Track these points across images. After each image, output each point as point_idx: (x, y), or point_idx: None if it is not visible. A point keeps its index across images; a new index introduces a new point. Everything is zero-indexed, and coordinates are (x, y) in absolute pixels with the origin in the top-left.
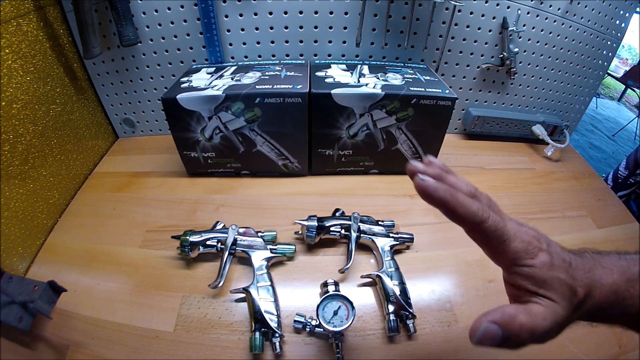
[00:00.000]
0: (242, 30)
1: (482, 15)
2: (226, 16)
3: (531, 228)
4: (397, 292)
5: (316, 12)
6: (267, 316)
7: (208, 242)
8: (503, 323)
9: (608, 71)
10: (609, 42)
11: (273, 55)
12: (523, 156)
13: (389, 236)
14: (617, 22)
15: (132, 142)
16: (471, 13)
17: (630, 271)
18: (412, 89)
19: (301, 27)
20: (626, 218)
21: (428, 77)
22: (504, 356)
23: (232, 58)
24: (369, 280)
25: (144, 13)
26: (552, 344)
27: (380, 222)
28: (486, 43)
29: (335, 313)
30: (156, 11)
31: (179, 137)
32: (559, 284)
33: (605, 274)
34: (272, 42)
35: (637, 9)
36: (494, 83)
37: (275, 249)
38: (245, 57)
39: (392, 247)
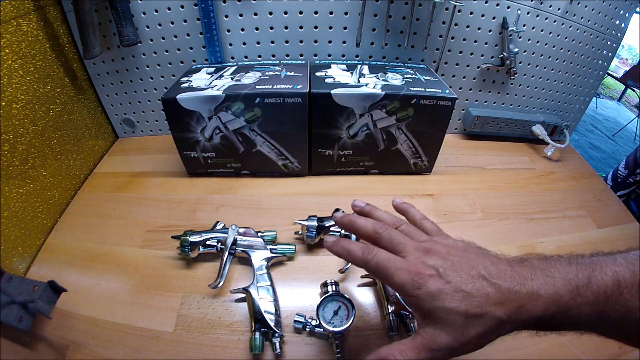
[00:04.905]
0: (242, 30)
1: (482, 15)
2: (226, 16)
3: (436, 257)
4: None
5: (316, 12)
6: (267, 316)
7: (208, 242)
8: None
9: (608, 71)
10: (609, 42)
11: (273, 55)
12: (523, 156)
13: None
14: (617, 22)
15: (132, 142)
16: (471, 13)
17: (578, 278)
18: (412, 89)
19: (301, 27)
20: (626, 218)
21: (428, 77)
22: (503, 356)
23: (232, 58)
24: (369, 280)
25: (144, 13)
26: (552, 344)
27: None
28: (486, 43)
29: (336, 313)
30: (156, 11)
31: (179, 137)
32: (445, 313)
33: (547, 284)
34: (272, 42)
35: (637, 9)
36: (494, 83)
37: (275, 249)
38: (245, 57)
39: None
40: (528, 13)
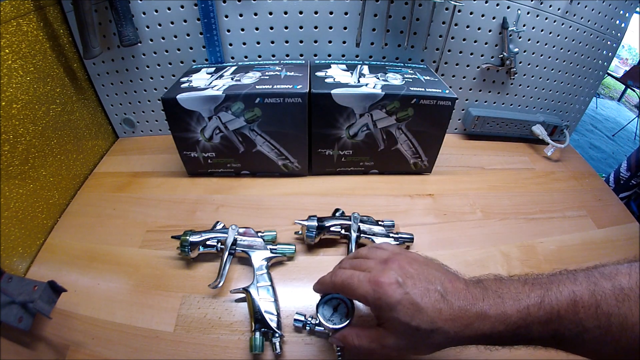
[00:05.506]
0: (242, 30)
1: (482, 15)
2: (226, 16)
3: (396, 267)
4: None
5: (316, 12)
6: (267, 316)
7: (208, 242)
8: (341, 338)
9: (608, 71)
10: (609, 42)
11: (273, 55)
12: (523, 156)
13: (389, 236)
14: (617, 22)
15: (132, 142)
16: (471, 13)
17: (529, 298)
18: (412, 89)
19: (301, 27)
20: (626, 218)
21: (428, 77)
22: (502, 356)
23: (232, 58)
24: None
25: (144, 13)
26: None
27: (380, 222)
28: (486, 43)
29: (335, 310)
30: (156, 11)
31: (179, 137)
32: (398, 324)
33: (496, 304)
34: (272, 42)
35: (637, 9)
36: (494, 83)
37: (275, 249)
38: (245, 57)
39: None
40: (528, 13)
